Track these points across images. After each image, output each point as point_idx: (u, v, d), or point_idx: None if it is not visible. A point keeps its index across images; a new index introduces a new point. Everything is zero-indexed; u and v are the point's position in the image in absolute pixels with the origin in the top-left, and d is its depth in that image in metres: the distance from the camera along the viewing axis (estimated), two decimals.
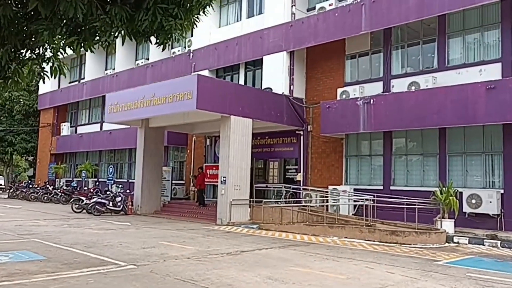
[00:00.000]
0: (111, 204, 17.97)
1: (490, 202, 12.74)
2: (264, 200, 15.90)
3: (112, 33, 5.78)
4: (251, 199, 16.28)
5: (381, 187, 15.40)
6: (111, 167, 24.05)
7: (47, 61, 6.39)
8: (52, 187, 26.91)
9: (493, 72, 13.41)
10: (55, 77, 6.39)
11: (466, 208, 13.09)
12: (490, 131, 13.48)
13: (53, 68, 6.21)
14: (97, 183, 26.97)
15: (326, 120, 16.14)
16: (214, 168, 19.04)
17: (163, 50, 6.61)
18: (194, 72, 20.38)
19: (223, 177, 15.52)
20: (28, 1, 5.25)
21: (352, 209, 15.25)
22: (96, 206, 17.56)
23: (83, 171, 26.98)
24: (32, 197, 25.82)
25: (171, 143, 22.77)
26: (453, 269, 8.18)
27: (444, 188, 12.76)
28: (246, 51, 19.29)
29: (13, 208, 20.68)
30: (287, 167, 18.87)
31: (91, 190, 22.30)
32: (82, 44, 5.84)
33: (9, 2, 5.61)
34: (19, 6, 5.85)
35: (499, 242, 11.41)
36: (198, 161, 21.71)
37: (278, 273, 7.35)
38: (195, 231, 13.27)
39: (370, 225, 12.88)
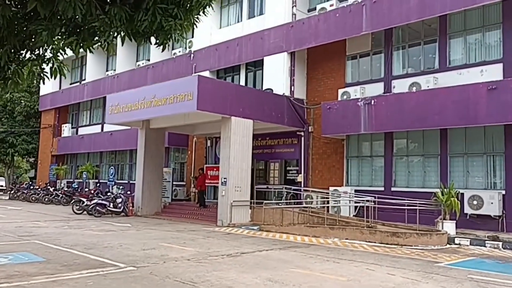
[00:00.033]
0: (111, 205, 17.94)
1: (492, 203, 12.68)
2: (265, 202, 15.86)
3: (111, 34, 5.76)
4: (252, 200, 16.24)
5: (382, 188, 15.35)
6: (111, 168, 24.05)
7: (47, 62, 6.38)
8: (53, 188, 26.91)
9: (494, 72, 13.36)
10: (55, 78, 6.37)
11: (468, 210, 13.03)
12: (491, 132, 13.43)
13: (53, 69, 6.20)
14: (98, 185, 26.97)
15: (327, 121, 16.10)
16: (214, 169, 19.01)
17: (162, 50, 6.59)
18: (194, 73, 20.37)
19: (224, 178, 15.49)
20: (27, 2, 5.23)
21: (353, 211, 15.21)
22: (97, 208, 17.54)
23: (84, 173, 26.98)
24: (33, 198, 25.82)
25: (172, 144, 22.76)
26: (454, 270, 8.14)
27: (445, 189, 12.71)
28: (246, 52, 19.28)
29: (13, 209, 20.68)
30: (287, 168, 18.82)
31: (92, 192, 22.30)
32: (81, 45, 5.81)
33: (8, 2, 5.60)
34: (18, 6, 5.84)
35: (500, 243, 11.36)
36: (199, 162, 21.68)
37: (278, 275, 7.31)
38: (195, 232, 13.23)
39: (371, 226, 12.83)
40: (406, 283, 7.00)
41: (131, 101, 17.48)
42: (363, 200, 13.98)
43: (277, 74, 17.95)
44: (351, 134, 16.08)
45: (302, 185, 17.30)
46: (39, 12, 5.24)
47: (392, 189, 15.13)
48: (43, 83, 6.87)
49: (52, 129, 31.63)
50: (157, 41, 6.07)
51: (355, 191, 15.61)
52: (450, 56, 14.59)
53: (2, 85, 6.59)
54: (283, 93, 17.48)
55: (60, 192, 25.31)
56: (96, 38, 5.91)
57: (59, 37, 5.91)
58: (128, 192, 20.49)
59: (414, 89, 14.53)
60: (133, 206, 18.71)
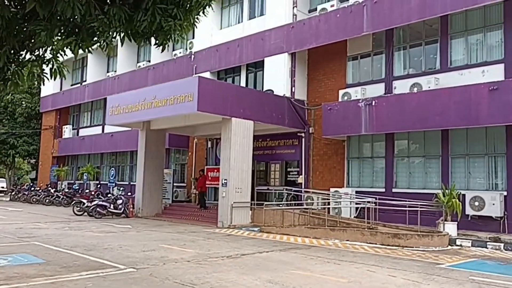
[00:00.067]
0: (112, 206, 17.92)
1: (493, 204, 12.63)
2: (266, 203, 15.82)
3: (111, 34, 5.73)
4: (252, 202, 16.21)
5: (383, 190, 15.30)
6: (112, 169, 24.06)
7: (46, 63, 6.36)
8: (54, 189, 26.89)
9: (496, 73, 13.32)
10: (54, 79, 6.35)
11: (469, 211, 12.98)
12: (493, 133, 13.38)
13: (53, 70, 6.18)
14: (99, 186, 26.95)
15: (327, 122, 16.06)
16: (215, 171, 18.99)
17: (162, 51, 6.56)
18: (195, 74, 20.35)
19: (224, 180, 15.46)
20: (26, 2, 5.21)
21: (354, 212, 15.15)
22: (97, 209, 17.52)
23: (84, 174, 26.99)
24: (34, 199, 25.82)
25: (173, 146, 22.75)
26: (455, 272, 8.09)
27: (446, 191, 12.66)
28: (247, 53, 19.26)
29: (14, 210, 20.67)
30: (288, 169, 18.79)
31: (93, 193, 22.27)
32: (80, 45, 5.78)
33: (8, 3, 5.58)
34: (18, 7, 5.82)
35: (502, 244, 11.31)
36: (200, 164, 21.66)
37: (278, 276, 7.27)
38: (195, 234, 13.20)
39: (372, 227, 12.80)
40: (407, 284, 6.96)
41: (131, 102, 17.46)
42: (364, 202, 13.94)
43: (277, 75, 17.93)
44: (352, 135, 16.04)
45: (303, 187, 17.27)
46: (38, 13, 5.22)
47: (393, 190, 15.08)
48: (43, 84, 6.85)
49: (53, 131, 31.66)
50: (157, 41, 6.04)
51: (356, 192, 15.57)
52: (451, 57, 14.55)
53: (2, 86, 6.56)
54: (284, 94, 17.45)
55: (61, 193, 25.30)
56: (95, 38, 5.87)
57: (59, 37, 5.89)
58: (129, 194, 20.48)
59: (415, 89, 14.48)
60: (133, 208, 18.69)
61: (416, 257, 9.70)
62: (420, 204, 12.46)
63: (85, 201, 18.61)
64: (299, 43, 17.50)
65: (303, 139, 17.80)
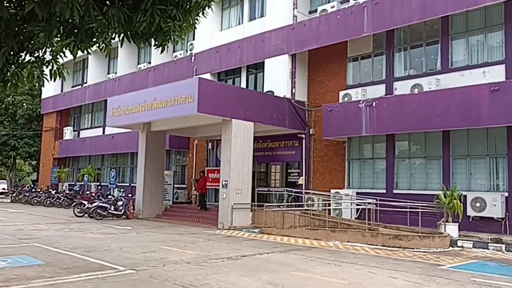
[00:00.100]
0: (112, 208, 17.91)
1: (495, 205, 12.59)
2: (266, 204, 15.76)
3: (110, 35, 5.71)
4: (253, 203, 16.17)
5: (384, 191, 15.26)
6: (113, 171, 24.04)
7: (46, 64, 6.35)
8: (54, 191, 26.90)
9: (497, 73, 13.30)
10: (54, 80, 6.34)
11: (470, 212, 12.94)
12: (494, 134, 13.34)
13: (53, 71, 6.17)
14: (99, 187, 26.95)
15: (328, 123, 16.04)
16: (215, 172, 18.97)
17: (162, 52, 6.53)
18: (195, 75, 20.35)
19: (225, 181, 15.44)
20: (25, 3, 5.20)
21: (355, 213, 15.11)
22: (98, 210, 17.51)
23: (85, 175, 26.96)
24: (35, 201, 25.81)
25: (173, 147, 22.74)
26: (457, 273, 8.06)
27: (448, 192, 12.62)
28: (247, 54, 19.26)
29: (15, 212, 20.67)
30: (289, 170, 18.76)
31: (93, 194, 22.25)
32: (79, 46, 5.77)
33: (7, 4, 5.57)
34: (17, 8, 5.81)
35: (503, 246, 11.27)
36: (200, 165, 21.65)
37: (278, 278, 7.24)
38: (196, 235, 13.18)
39: (373, 229, 12.75)
40: (408, 286, 6.93)
41: (132, 104, 17.46)
42: (365, 203, 13.89)
43: (278, 76, 17.92)
44: (353, 136, 16.00)
45: (303, 188, 17.23)
46: (37, 14, 5.21)
47: (394, 191, 15.05)
48: (43, 86, 6.86)
49: (54, 132, 31.67)
50: (156, 42, 6.03)
51: (357, 193, 15.52)
52: (452, 58, 14.53)
53: (2, 87, 6.55)
54: (284, 95, 17.44)
55: (61, 195, 25.32)
56: (94, 39, 5.86)
57: (58, 38, 5.88)
58: (129, 195, 20.47)
59: (416, 90, 14.46)
60: (134, 209, 18.67)
61: (417, 259, 9.67)
62: (421, 205, 12.43)
63: (85, 202, 18.58)
64: (300, 44, 17.49)
65: (304, 140, 17.77)
